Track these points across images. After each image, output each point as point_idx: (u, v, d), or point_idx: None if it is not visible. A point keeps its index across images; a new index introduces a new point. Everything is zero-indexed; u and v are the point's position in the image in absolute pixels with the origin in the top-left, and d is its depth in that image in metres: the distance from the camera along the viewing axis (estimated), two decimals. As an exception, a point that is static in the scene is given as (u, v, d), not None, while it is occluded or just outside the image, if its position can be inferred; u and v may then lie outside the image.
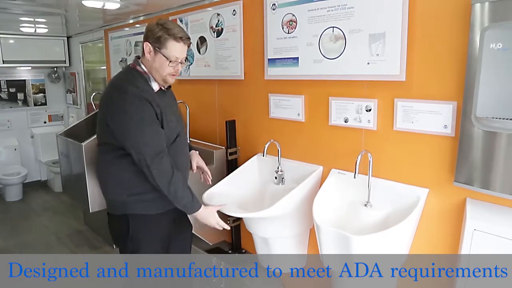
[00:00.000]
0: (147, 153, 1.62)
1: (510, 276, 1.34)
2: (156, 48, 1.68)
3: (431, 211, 1.67)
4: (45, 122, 5.45)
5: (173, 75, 1.75)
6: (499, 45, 1.28)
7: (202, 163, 2.12)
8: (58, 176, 4.80)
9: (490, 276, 1.38)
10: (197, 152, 2.14)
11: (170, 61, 1.68)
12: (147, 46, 1.70)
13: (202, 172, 2.13)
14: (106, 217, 3.59)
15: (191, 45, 1.80)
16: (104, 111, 1.73)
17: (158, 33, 1.66)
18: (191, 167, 2.06)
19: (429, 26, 1.58)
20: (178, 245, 2.02)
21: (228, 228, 1.89)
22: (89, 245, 3.64)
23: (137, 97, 1.64)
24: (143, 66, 1.74)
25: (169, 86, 1.86)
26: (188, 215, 1.97)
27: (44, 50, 4.99)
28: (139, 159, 1.63)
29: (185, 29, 2.88)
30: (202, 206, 1.79)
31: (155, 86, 1.75)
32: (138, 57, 1.79)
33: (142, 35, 1.76)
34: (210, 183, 2.13)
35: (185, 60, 1.76)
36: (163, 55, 1.67)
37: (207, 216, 1.82)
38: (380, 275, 1.69)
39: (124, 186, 1.76)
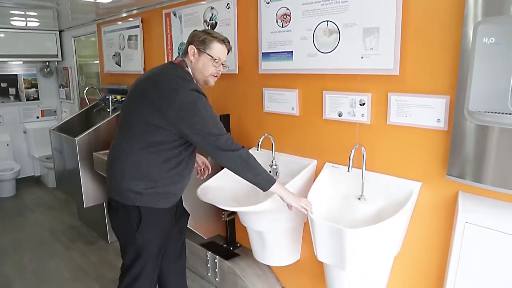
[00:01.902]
0: (221, 132, 1.70)
1: (501, 268, 1.36)
2: (201, 49, 1.79)
3: (424, 204, 1.69)
4: (37, 117, 5.40)
5: (215, 76, 1.86)
6: (492, 40, 1.28)
7: (206, 160, 2.19)
8: (52, 172, 4.78)
9: (481, 268, 1.40)
10: None
11: (214, 60, 1.80)
12: (192, 49, 1.80)
13: (202, 169, 2.18)
14: (101, 212, 3.61)
15: (230, 51, 1.91)
16: (158, 101, 1.68)
17: (202, 36, 1.81)
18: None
19: (422, 21, 1.59)
20: (175, 235, 2.05)
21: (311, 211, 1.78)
22: (83, 240, 3.63)
23: (199, 91, 1.72)
24: (189, 68, 1.82)
25: None
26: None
27: (36, 44, 4.94)
28: (215, 141, 1.68)
29: (179, 23, 2.87)
30: (277, 183, 1.79)
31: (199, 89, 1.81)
32: (183, 60, 1.84)
33: (186, 40, 1.88)
34: (204, 177, 2.14)
35: (224, 64, 1.88)
36: (208, 54, 1.79)
37: (288, 193, 1.79)
38: (373, 268, 1.71)
39: (143, 178, 1.74)
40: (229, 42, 1.87)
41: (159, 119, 1.67)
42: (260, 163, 2.30)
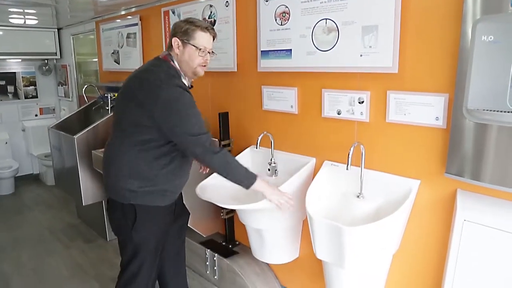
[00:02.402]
0: (199, 131, 1.67)
1: (499, 266, 1.37)
2: (185, 41, 1.74)
3: (423, 202, 1.69)
4: (36, 115, 5.39)
5: (203, 66, 1.80)
6: (491, 38, 1.28)
7: None
8: (51, 170, 4.78)
9: (479, 265, 1.40)
10: None
11: (199, 50, 1.75)
12: (176, 41, 1.76)
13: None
14: (99, 210, 3.61)
15: (216, 37, 1.85)
16: (142, 99, 1.67)
17: (185, 27, 1.75)
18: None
19: (421, 19, 1.59)
20: (174, 233, 2.05)
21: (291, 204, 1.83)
22: (82, 239, 3.63)
23: (183, 87, 1.70)
24: (175, 62, 1.78)
25: (192, 86, 1.88)
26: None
27: (34, 42, 4.93)
28: (191, 140, 1.67)
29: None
30: (259, 178, 1.78)
31: (186, 82, 1.79)
32: (169, 54, 1.80)
33: (170, 32, 1.83)
34: (206, 172, 2.12)
35: (212, 52, 1.83)
36: (193, 45, 1.74)
37: (269, 187, 1.79)
38: (372, 266, 1.72)
39: (136, 177, 1.74)
40: (213, 28, 1.81)
41: (144, 117, 1.67)
42: (259, 161, 2.31)
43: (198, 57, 1.76)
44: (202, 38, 1.76)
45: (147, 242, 1.82)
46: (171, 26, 2.92)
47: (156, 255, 1.89)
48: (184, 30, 1.74)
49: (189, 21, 1.76)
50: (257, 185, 1.76)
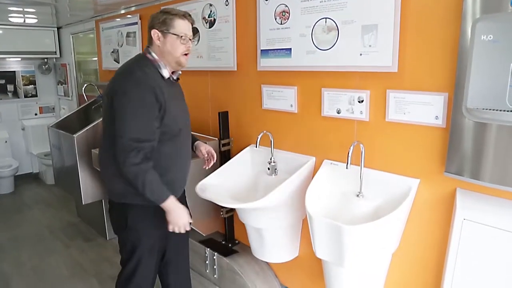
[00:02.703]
0: (128, 137, 1.59)
1: (499, 265, 1.37)
2: (164, 31, 1.71)
3: (422, 201, 1.69)
4: (36, 114, 5.40)
5: (186, 54, 1.76)
6: (490, 37, 1.29)
7: (211, 149, 2.08)
8: (50, 169, 4.79)
9: (479, 264, 1.41)
10: (199, 141, 2.12)
11: (181, 38, 1.71)
12: (155, 33, 1.72)
13: (208, 159, 2.08)
14: (99, 209, 3.61)
15: (194, 24, 1.82)
16: (109, 96, 1.68)
17: (162, 17, 1.71)
18: (197, 155, 2.08)
19: (421, 18, 1.59)
20: (175, 237, 2.01)
21: (187, 228, 1.78)
22: (82, 238, 3.63)
23: (142, 82, 1.64)
24: (153, 54, 1.75)
25: (178, 79, 1.87)
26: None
27: (34, 41, 4.93)
28: (117, 142, 1.60)
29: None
30: (172, 198, 1.70)
31: (166, 73, 1.74)
32: (148, 47, 1.79)
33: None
34: (209, 167, 2.09)
35: (192, 40, 1.79)
36: (173, 34, 1.71)
37: (178, 211, 1.72)
38: (371, 265, 1.72)
39: (120, 178, 1.72)
40: (190, 15, 1.77)
41: (113, 114, 1.65)
42: (259, 160, 2.30)
43: (180, 45, 1.72)
44: (181, 25, 1.72)
45: (141, 241, 1.82)
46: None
47: (152, 255, 1.87)
48: (162, 21, 1.70)
49: (165, 11, 1.73)
50: (166, 205, 1.69)
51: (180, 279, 2.16)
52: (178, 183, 1.88)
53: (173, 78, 1.81)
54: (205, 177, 2.16)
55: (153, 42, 1.74)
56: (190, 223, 1.80)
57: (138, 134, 1.60)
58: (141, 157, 1.61)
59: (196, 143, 2.08)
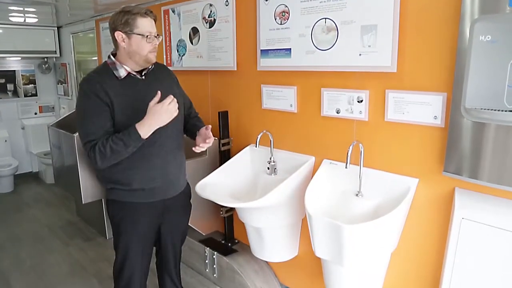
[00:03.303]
0: (83, 141, 1.70)
1: (497, 263, 1.38)
2: (128, 32, 1.69)
3: (421, 200, 1.70)
4: (35, 113, 5.40)
5: (153, 52, 1.75)
6: (488, 37, 1.30)
7: (206, 133, 1.90)
8: (50, 168, 4.79)
9: (477, 263, 1.42)
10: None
11: (146, 37, 1.69)
12: (119, 35, 1.70)
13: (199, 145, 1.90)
14: (99, 208, 3.62)
15: (156, 20, 1.79)
16: None
17: (123, 18, 1.68)
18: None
19: (420, 18, 1.60)
20: (167, 237, 2.03)
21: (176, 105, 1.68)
22: (82, 237, 3.64)
23: (84, 90, 1.70)
24: (112, 58, 1.77)
25: (150, 73, 1.81)
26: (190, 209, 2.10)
27: (34, 40, 4.93)
28: (83, 147, 1.72)
29: (178, 20, 2.87)
30: (137, 125, 1.63)
31: (122, 73, 1.74)
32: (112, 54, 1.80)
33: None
34: (202, 147, 1.88)
35: (157, 36, 1.76)
36: (138, 34, 1.69)
37: (151, 118, 1.63)
38: (371, 264, 1.73)
39: (103, 176, 1.83)
40: (151, 11, 1.74)
41: None
42: (259, 159, 2.32)
43: (146, 44, 1.70)
44: (144, 24, 1.69)
45: (122, 238, 1.86)
46: (171, 26, 2.94)
47: (135, 253, 1.87)
48: (124, 21, 1.67)
49: (126, 11, 1.69)
50: (144, 133, 1.63)
51: (172, 276, 2.16)
52: (154, 181, 1.82)
53: (134, 75, 1.77)
54: (205, 176, 2.17)
55: (118, 44, 1.73)
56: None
57: (91, 137, 1.67)
58: (93, 149, 1.67)
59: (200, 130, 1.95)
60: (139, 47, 1.70)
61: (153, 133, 1.67)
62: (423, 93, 1.62)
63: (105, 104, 1.67)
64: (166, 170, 1.85)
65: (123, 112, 1.70)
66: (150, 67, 1.82)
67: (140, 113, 1.67)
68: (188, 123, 2.06)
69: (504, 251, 1.36)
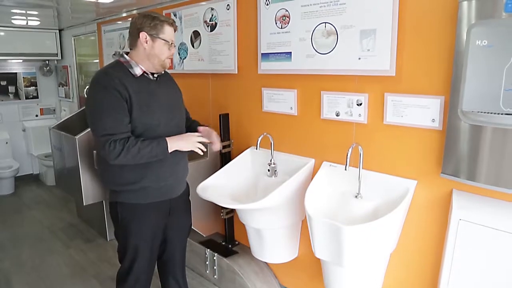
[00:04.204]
0: (101, 137, 1.69)
1: (493, 264, 1.40)
2: (154, 35, 1.76)
3: (419, 202, 1.72)
4: (36, 116, 5.41)
5: (170, 58, 1.86)
6: (485, 42, 1.32)
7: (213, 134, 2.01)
8: (50, 170, 4.80)
9: (474, 263, 1.44)
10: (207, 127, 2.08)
11: (170, 44, 1.80)
12: (144, 35, 1.76)
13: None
14: (100, 210, 3.63)
15: (177, 30, 1.91)
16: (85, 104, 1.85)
17: (152, 22, 1.76)
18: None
19: (418, 23, 1.62)
20: (174, 236, 2.05)
21: (204, 149, 1.86)
22: (82, 238, 3.65)
23: (102, 84, 1.72)
24: (126, 57, 1.82)
25: (160, 76, 1.88)
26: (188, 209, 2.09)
27: (36, 43, 4.95)
28: (95, 142, 1.75)
29: (179, 23, 2.90)
30: (168, 139, 1.77)
31: (138, 71, 1.79)
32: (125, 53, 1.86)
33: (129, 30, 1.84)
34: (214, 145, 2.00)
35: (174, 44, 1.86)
36: (162, 39, 1.78)
37: (181, 141, 1.80)
38: (370, 264, 1.75)
39: (112, 177, 1.84)
40: (174, 22, 1.85)
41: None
42: (259, 162, 2.34)
43: (167, 50, 1.80)
44: (170, 32, 1.80)
45: (132, 241, 1.86)
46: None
47: (144, 252, 1.90)
48: (153, 25, 1.76)
49: (154, 16, 1.78)
50: (171, 148, 1.76)
51: (177, 278, 2.18)
52: (166, 180, 1.87)
53: (147, 74, 1.82)
54: (206, 178, 2.19)
55: (138, 44, 1.79)
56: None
57: (110, 131, 1.68)
58: (118, 144, 1.68)
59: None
60: (161, 52, 1.79)
61: (159, 131, 1.79)
62: (421, 96, 1.64)
63: (124, 99, 1.71)
64: (176, 169, 1.91)
65: (139, 108, 1.75)
66: (162, 71, 1.89)
67: (155, 112, 1.79)
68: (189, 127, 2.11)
69: (501, 251, 1.38)
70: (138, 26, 1.78)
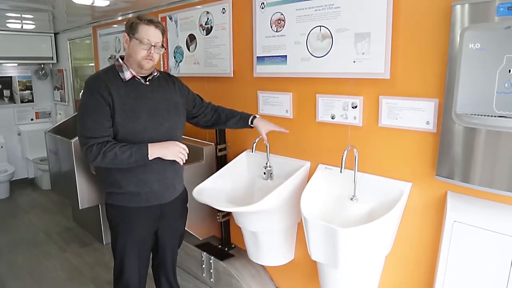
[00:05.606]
0: (81, 138, 1.72)
1: (488, 265, 1.41)
2: (130, 35, 1.77)
3: (414, 204, 1.73)
4: (32, 119, 5.40)
5: (148, 59, 1.77)
6: (477, 45, 1.34)
7: (271, 127, 2.06)
8: (46, 174, 4.78)
9: (469, 264, 1.45)
10: (259, 117, 2.09)
11: (141, 42, 1.74)
12: (125, 37, 1.80)
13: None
14: (96, 214, 3.62)
15: (165, 32, 1.85)
16: None
17: (132, 22, 1.78)
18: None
19: (412, 26, 1.64)
20: (165, 242, 2.04)
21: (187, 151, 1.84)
22: (78, 242, 3.64)
23: (89, 87, 1.76)
24: (120, 60, 1.83)
25: (154, 79, 1.86)
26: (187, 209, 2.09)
27: (31, 47, 4.95)
28: (81, 146, 1.73)
29: (175, 27, 2.90)
30: (150, 145, 1.74)
31: (127, 75, 1.79)
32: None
33: None
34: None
35: (161, 47, 1.80)
36: (136, 38, 1.75)
37: (163, 148, 1.77)
38: (365, 266, 1.75)
39: (103, 179, 1.87)
40: (159, 22, 1.79)
41: None
42: (255, 165, 2.34)
43: (141, 50, 1.74)
44: (145, 31, 1.74)
45: (120, 242, 1.88)
46: (168, 32, 2.97)
47: (131, 257, 1.89)
48: (130, 25, 1.77)
49: (136, 16, 1.79)
50: (152, 155, 1.74)
51: (170, 280, 2.18)
52: (152, 184, 1.84)
53: (139, 79, 1.81)
54: (202, 181, 2.19)
55: (124, 46, 1.83)
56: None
57: (89, 133, 1.70)
58: (95, 148, 1.68)
59: (255, 120, 2.07)
60: (135, 51, 1.76)
61: (146, 136, 1.77)
62: (416, 99, 1.66)
63: (106, 103, 1.71)
64: (163, 175, 1.86)
65: (123, 113, 1.74)
66: (155, 74, 1.88)
67: (139, 117, 1.76)
68: (222, 119, 2.14)
69: (495, 252, 1.39)
70: (124, 28, 1.82)
